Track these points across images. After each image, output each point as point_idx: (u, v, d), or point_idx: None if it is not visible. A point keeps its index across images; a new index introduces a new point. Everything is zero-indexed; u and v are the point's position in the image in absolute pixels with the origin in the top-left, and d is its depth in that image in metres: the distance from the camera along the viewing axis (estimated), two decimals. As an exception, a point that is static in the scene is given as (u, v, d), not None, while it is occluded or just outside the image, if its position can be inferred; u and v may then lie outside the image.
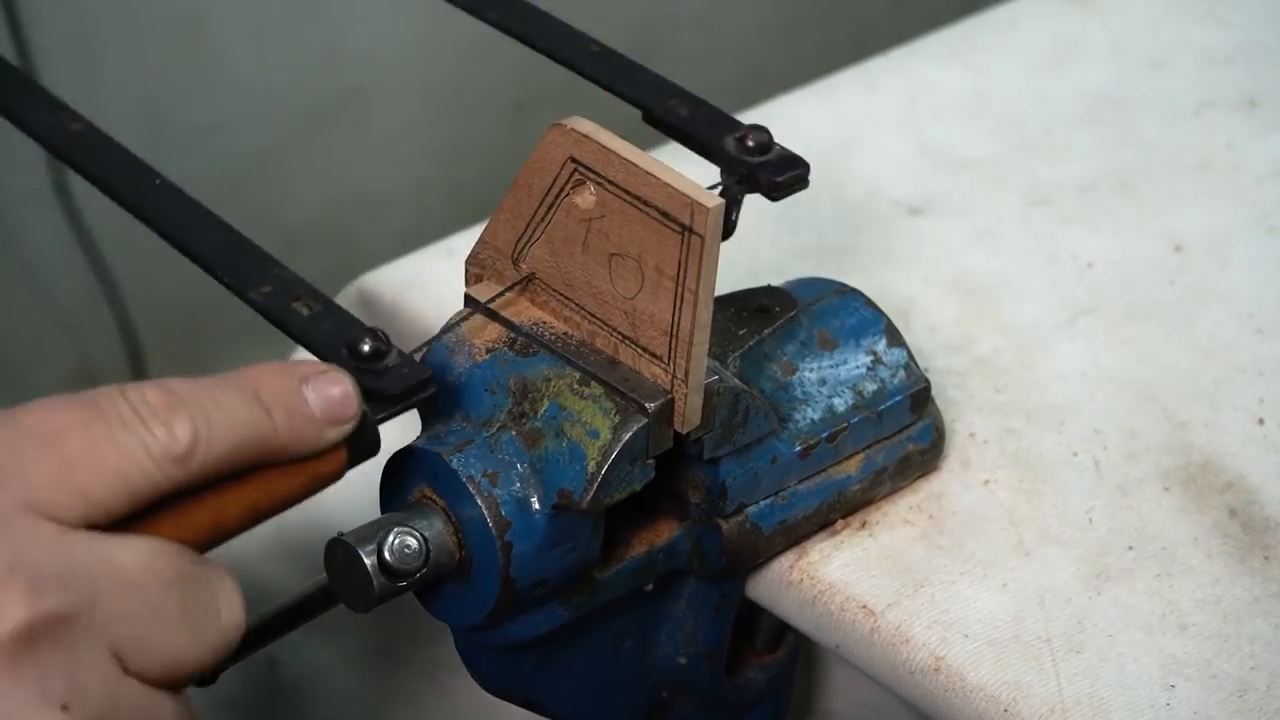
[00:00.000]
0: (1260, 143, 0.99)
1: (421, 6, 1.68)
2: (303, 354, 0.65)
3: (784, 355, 0.75)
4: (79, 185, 1.52)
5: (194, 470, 0.55)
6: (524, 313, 0.70)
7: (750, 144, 0.72)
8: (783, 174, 0.71)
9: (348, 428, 0.59)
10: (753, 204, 0.95)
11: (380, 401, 0.61)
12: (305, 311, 0.64)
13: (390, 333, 0.63)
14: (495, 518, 0.65)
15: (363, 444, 0.60)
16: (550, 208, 0.67)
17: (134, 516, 0.55)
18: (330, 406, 0.59)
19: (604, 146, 0.65)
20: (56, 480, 0.53)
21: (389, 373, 0.62)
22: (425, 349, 0.68)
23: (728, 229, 0.70)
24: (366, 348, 0.62)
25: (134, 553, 0.54)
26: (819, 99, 1.04)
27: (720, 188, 0.71)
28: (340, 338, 0.62)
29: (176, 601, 0.54)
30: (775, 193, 0.71)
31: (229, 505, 0.57)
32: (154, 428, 0.54)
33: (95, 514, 0.53)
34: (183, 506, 0.56)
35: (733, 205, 0.71)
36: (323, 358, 0.62)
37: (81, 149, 0.69)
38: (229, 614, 0.56)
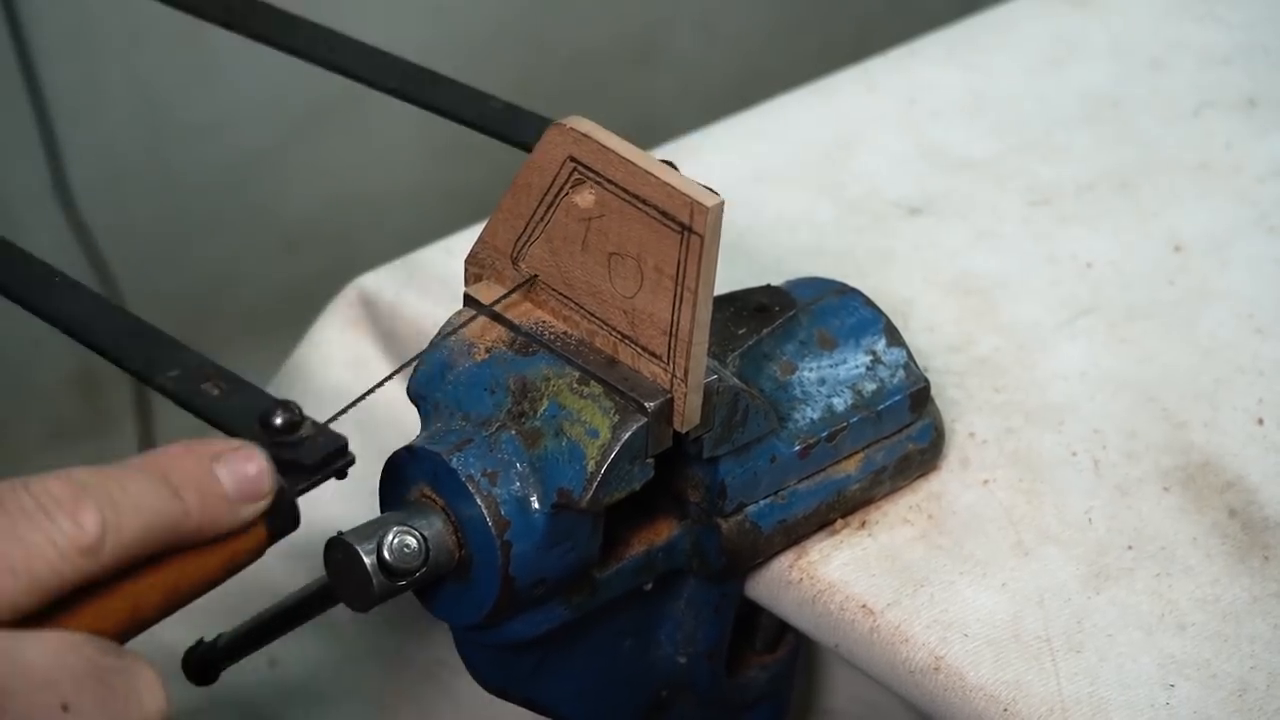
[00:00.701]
0: (1260, 143, 0.99)
1: (421, 6, 1.69)
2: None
3: (783, 355, 0.75)
4: (79, 185, 1.52)
5: (105, 560, 0.54)
6: (523, 312, 0.70)
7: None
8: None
9: (263, 504, 0.58)
10: (753, 203, 0.95)
11: (297, 473, 0.60)
12: (215, 392, 0.63)
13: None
14: (495, 517, 0.65)
15: (282, 519, 0.59)
16: (550, 207, 0.67)
17: (45, 611, 0.53)
18: (244, 484, 0.57)
19: (603, 146, 0.65)
20: None
21: (304, 444, 0.60)
22: (417, 361, 0.67)
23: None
24: (279, 420, 0.60)
25: (43, 648, 0.52)
26: (819, 99, 1.04)
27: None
28: (252, 413, 0.61)
29: (91, 695, 0.53)
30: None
31: (146, 591, 0.56)
32: (59, 520, 0.53)
33: (2, 613, 0.52)
34: (97, 597, 0.55)
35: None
36: (236, 435, 0.60)
37: None
38: (151, 702, 0.54)
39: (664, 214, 0.64)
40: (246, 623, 0.72)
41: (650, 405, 0.66)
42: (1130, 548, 0.76)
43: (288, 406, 0.60)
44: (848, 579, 0.74)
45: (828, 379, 0.75)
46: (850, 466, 0.75)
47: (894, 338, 0.77)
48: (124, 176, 1.57)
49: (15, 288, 0.68)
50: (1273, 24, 1.09)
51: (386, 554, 0.64)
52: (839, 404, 0.74)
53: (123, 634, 0.56)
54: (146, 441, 1.66)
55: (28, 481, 0.53)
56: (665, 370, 0.66)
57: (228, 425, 0.61)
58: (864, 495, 0.76)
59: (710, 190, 0.63)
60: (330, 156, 1.76)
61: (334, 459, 0.60)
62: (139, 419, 1.67)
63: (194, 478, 0.57)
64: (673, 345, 0.65)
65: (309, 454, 0.60)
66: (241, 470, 0.57)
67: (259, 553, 0.59)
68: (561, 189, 0.67)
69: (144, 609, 0.56)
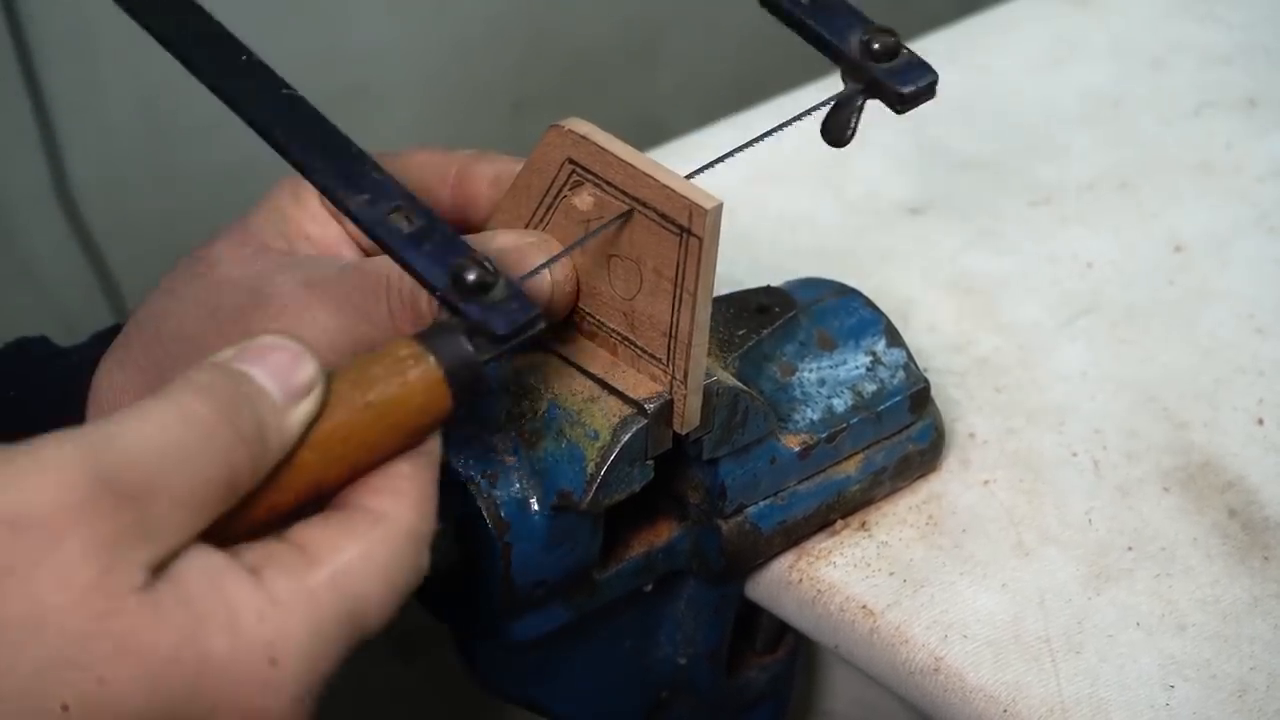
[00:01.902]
0: (1260, 143, 0.99)
1: (420, 6, 1.68)
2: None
3: (783, 356, 0.75)
4: (79, 185, 1.52)
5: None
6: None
7: (876, 47, 0.64)
8: (910, 84, 0.64)
9: (313, 400, 0.54)
10: (753, 203, 0.95)
11: (487, 340, 0.55)
12: (405, 227, 0.57)
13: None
14: (495, 519, 0.65)
15: (468, 385, 0.55)
16: (548, 209, 0.67)
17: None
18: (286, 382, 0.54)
19: (602, 148, 0.65)
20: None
21: (496, 308, 0.55)
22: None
23: (846, 138, 0.64)
24: (472, 277, 0.55)
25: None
26: (819, 99, 1.03)
27: (842, 95, 0.65)
28: (443, 263, 0.55)
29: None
30: (902, 105, 0.64)
31: (331, 460, 0.54)
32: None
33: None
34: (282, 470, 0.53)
35: (852, 114, 0.64)
36: (427, 287, 0.56)
37: (162, 14, 0.61)
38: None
39: (663, 216, 0.64)
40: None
41: (650, 407, 0.66)
42: (1130, 548, 0.76)
43: (482, 263, 0.55)
44: (848, 580, 0.74)
45: (828, 380, 0.75)
46: (850, 467, 0.75)
47: (894, 338, 0.77)
48: (124, 176, 1.57)
49: (198, 64, 0.61)
50: (1273, 24, 1.09)
51: (386, 556, 0.64)
52: (839, 405, 0.74)
53: (306, 504, 0.54)
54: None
55: None
56: (665, 372, 0.66)
57: (419, 273, 0.56)
58: (864, 496, 0.76)
59: (709, 193, 0.63)
60: (330, 156, 1.75)
61: (525, 329, 0.55)
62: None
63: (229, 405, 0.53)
64: (672, 347, 0.65)
65: (500, 320, 0.55)
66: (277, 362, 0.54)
67: (441, 421, 0.55)
68: (560, 191, 0.67)
69: (325, 480, 0.54)
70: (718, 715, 0.80)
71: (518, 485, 0.66)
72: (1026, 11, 1.10)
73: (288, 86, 0.61)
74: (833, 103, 0.65)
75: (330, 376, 0.54)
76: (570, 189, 0.66)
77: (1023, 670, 0.71)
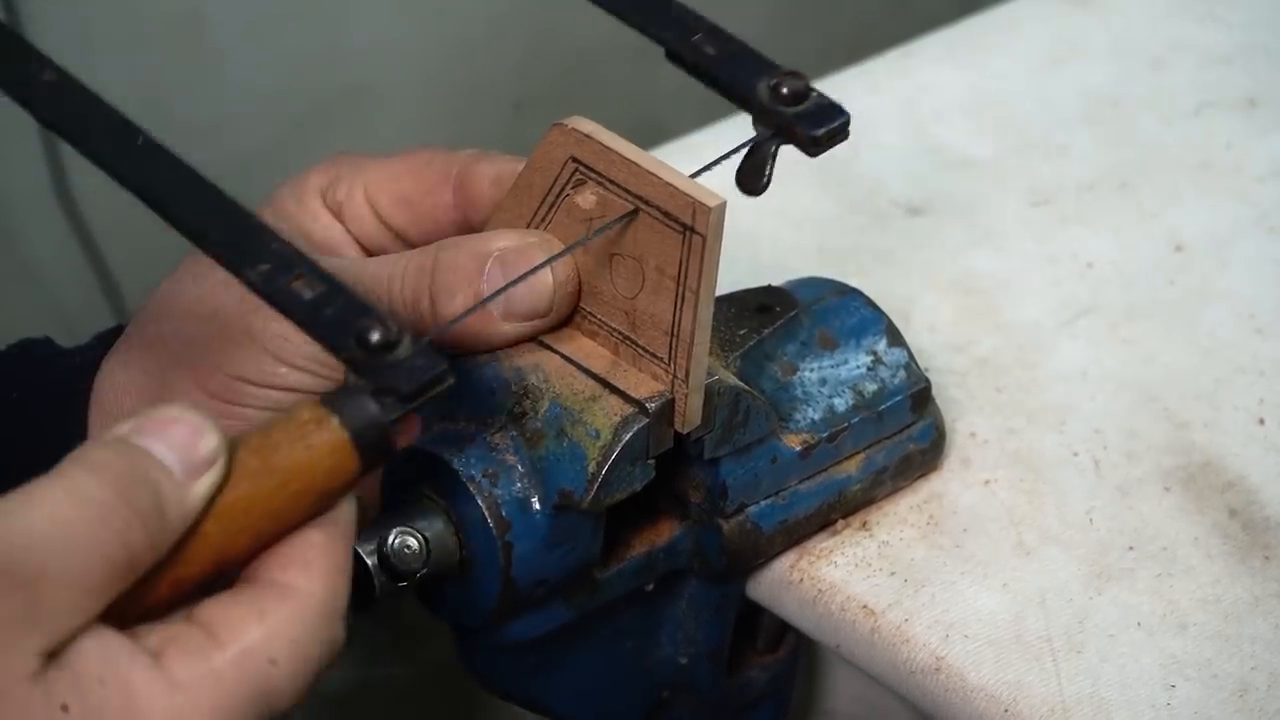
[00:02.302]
0: (1260, 143, 0.99)
1: (421, 6, 1.68)
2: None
3: (784, 355, 0.75)
4: (79, 185, 1.52)
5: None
6: (525, 313, 0.70)
7: (785, 91, 0.64)
8: (821, 126, 0.64)
9: (215, 472, 0.52)
10: (753, 203, 0.95)
11: (395, 399, 0.54)
12: (307, 293, 0.56)
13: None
14: (496, 518, 0.65)
15: (375, 449, 0.54)
16: (551, 208, 0.67)
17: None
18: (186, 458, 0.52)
19: (606, 146, 0.65)
20: None
21: (400, 367, 0.54)
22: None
23: (762, 185, 0.64)
24: (375, 337, 0.55)
25: None
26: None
27: (753, 140, 0.65)
28: (347, 325, 0.55)
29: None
30: (815, 148, 0.64)
31: (233, 536, 0.53)
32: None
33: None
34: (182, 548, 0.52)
35: (766, 159, 0.65)
36: (330, 349, 0.56)
37: (55, 103, 0.61)
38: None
39: (666, 214, 0.64)
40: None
41: (651, 406, 0.66)
42: (1131, 548, 0.76)
43: (385, 321, 0.55)
44: (849, 579, 0.74)
45: (829, 379, 0.75)
46: (851, 467, 0.75)
47: (895, 338, 0.77)
48: (124, 176, 1.57)
49: (95, 147, 0.60)
50: (1273, 24, 1.09)
51: (388, 554, 0.64)
52: (840, 404, 0.74)
53: (211, 577, 0.53)
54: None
55: None
56: (666, 371, 0.66)
57: (321, 337, 0.55)
58: (865, 496, 0.76)
59: (712, 191, 0.63)
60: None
61: (431, 386, 0.54)
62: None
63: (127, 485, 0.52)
64: (674, 346, 0.65)
65: (405, 379, 0.54)
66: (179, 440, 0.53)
67: (349, 486, 0.54)
68: (563, 190, 0.67)
69: (229, 552, 0.53)
70: (719, 715, 0.80)
71: (519, 484, 0.66)
72: (1026, 11, 1.10)
73: (185, 164, 0.60)
74: (745, 148, 0.65)
75: (233, 445, 0.53)
76: (573, 187, 0.66)
77: (1024, 670, 0.71)
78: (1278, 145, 0.99)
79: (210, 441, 0.52)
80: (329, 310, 0.56)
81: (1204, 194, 0.96)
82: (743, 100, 0.65)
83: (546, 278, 0.66)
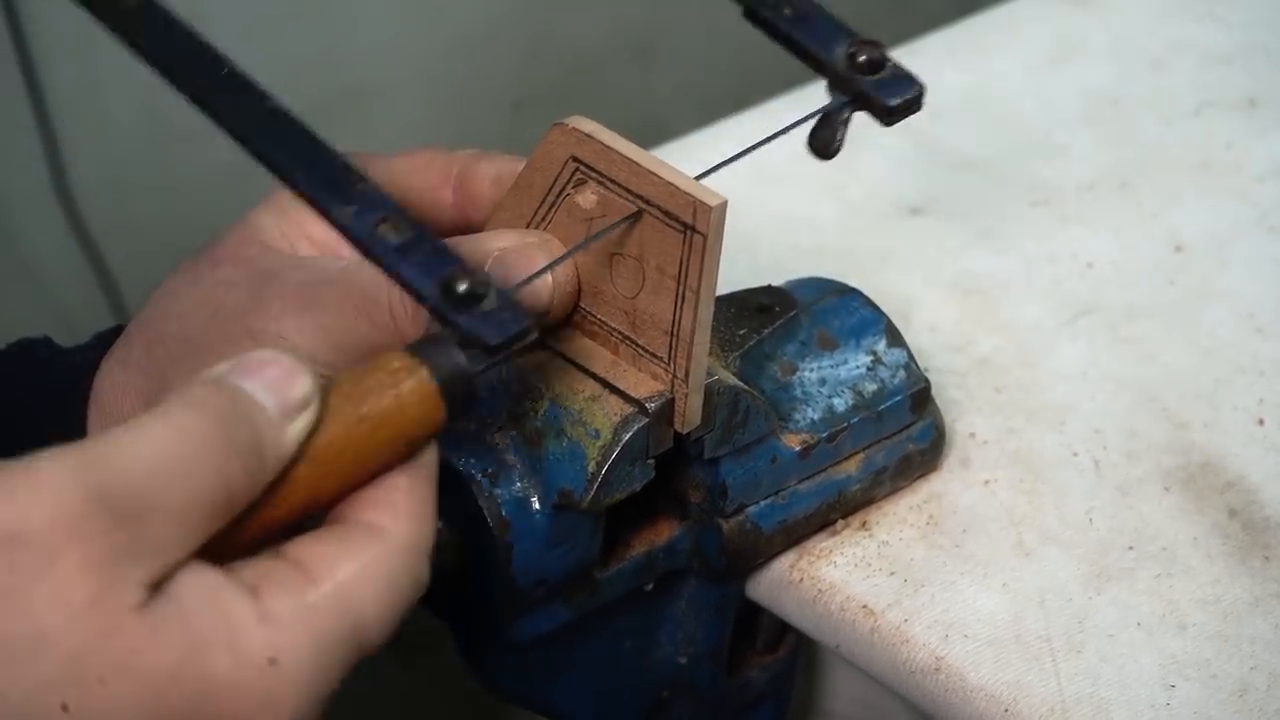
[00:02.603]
0: (1260, 143, 0.99)
1: (421, 6, 1.68)
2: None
3: (784, 355, 0.75)
4: (79, 184, 1.52)
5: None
6: (524, 312, 0.70)
7: (862, 59, 0.64)
8: (897, 96, 0.64)
9: (309, 415, 0.53)
10: (753, 203, 0.95)
11: (480, 350, 0.54)
12: (394, 238, 0.55)
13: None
14: (496, 517, 0.65)
15: (459, 398, 0.54)
16: (551, 207, 0.67)
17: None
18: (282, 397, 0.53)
19: (606, 146, 0.65)
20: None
21: (488, 318, 0.54)
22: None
23: (833, 150, 0.65)
24: (463, 287, 0.54)
25: None
26: (819, 99, 1.03)
27: (828, 107, 0.65)
28: (433, 273, 0.54)
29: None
30: (889, 117, 0.64)
31: (321, 478, 0.54)
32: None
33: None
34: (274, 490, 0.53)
35: (839, 126, 0.65)
36: (417, 299, 0.55)
37: (139, 27, 0.61)
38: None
39: (667, 214, 0.64)
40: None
41: (651, 406, 0.66)
42: (1131, 548, 0.76)
43: (472, 273, 0.54)
44: (848, 579, 0.74)
45: (828, 379, 0.75)
46: (851, 467, 0.75)
47: (895, 338, 0.77)
48: (124, 176, 1.56)
49: (178, 75, 0.60)
50: (1273, 24, 1.09)
51: (388, 554, 0.64)
52: (840, 404, 0.74)
53: (299, 519, 0.54)
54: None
55: None
56: (666, 371, 0.66)
57: (408, 286, 0.55)
58: (865, 496, 0.76)
59: (713, 190, 0.63)
60: (330, 156, 1.75)
61: (517, 339, 0.54)
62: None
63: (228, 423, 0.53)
64: (674, 346, 0.65)
65: (491, 331, 0.54)
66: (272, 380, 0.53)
67: (435, 433, 0.55)
68: (564, 189, 0.67)
69: (319, 495, 0.54)
70: (718, 715, 0.80)
71: (519, 484, 0.66)
72: (1026, 11, 1.10)
73: (270, 97, 0.59)
74: (819, 115, 0.65)
75: (325, 389, 0.54)
76: (573, 187, 0.66)
77: (1023, 670, 0.71)
78: (1278, 145, 0.99)
79: (305, 384, 0.53)
80: (416, 256, 0.55)
81: (1204, 194, 0.96)
82: (818, 65, 0.64)
83: (546, 279, 0.66)
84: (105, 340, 0.72)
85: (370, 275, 0.66)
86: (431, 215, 0.71)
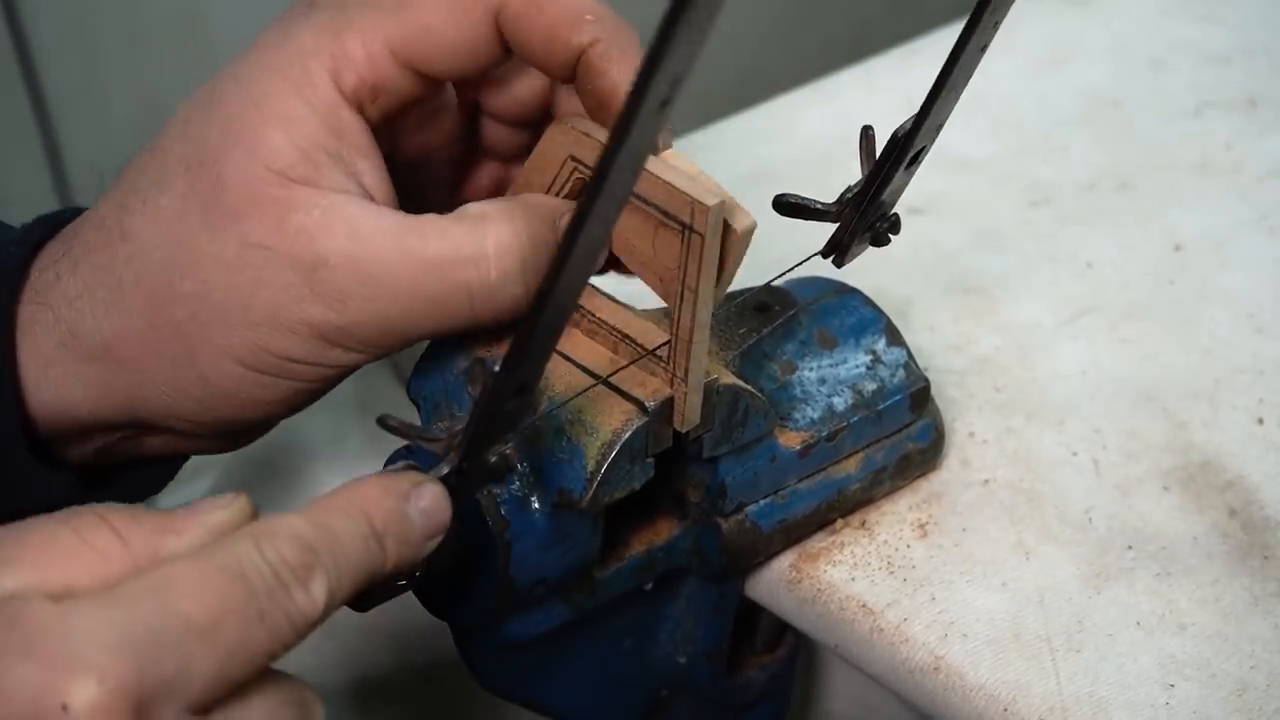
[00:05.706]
0: (1260, 143, 0.99)
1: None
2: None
3: (784, 354, 0.75)
4: (79, 185, 1.52)
5: (316, 624, 0.53)
6: (524, 312, 0.69)
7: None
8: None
9: (440, 537, 0.58)
10: (754, 204, 0.95)
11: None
12: None
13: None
14: (494, 516, 0.65)
15: None
16: (550, 207, 0.67)
17: None
18: (431, 521, 0.58)
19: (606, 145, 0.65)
20: (214, 678, 0.50)
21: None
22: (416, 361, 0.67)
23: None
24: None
25: (262, 711, 0.52)
26: (820, 99, 1.04)
27: None
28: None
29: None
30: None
31: None
32: (295, 595, 0.52)
33: (227, 691, 0.51)
34: None
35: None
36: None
37: None
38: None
39: (665, 213, 0.64)
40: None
41: (650, 405, 0.66)
42: (1130, 547, 0.76)
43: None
44: (847, 579, 0.74)
45: (828, 378, 0.75)
46: (850, 466, 0.75)
47: (894, 337, 0.77)
48: (124, 176, 1.57)
49: None
50: (1273, 24, 1.09)
51: (387, 553, 0.64)
52: (839, 403, 0.74)
53: None
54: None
55: (261, 545, 0.52)
56: (665, 370, 0.66)
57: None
58: (864, 495, 0.76)
59: (712, 190, 0.63)
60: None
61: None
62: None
63: (394, 523, 0.56)
64: (673, 345, 0.65)
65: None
66: (430, 507, 0.57)
67: None
68: (563, 188, 0.67)
69: None
70: (718, 714, 0.80)
71: (517, 483, 0.66)
72: (1026, 11, 1.10)
73: None
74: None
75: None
76: (572, 186, 0.66)
77: (1023, 669, 0.71)
78: (1278, 145, 0.99)
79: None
80: None
81: (1204, 194, 0.96)
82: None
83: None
84: (45, 223, 0.68)
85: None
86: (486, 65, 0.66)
